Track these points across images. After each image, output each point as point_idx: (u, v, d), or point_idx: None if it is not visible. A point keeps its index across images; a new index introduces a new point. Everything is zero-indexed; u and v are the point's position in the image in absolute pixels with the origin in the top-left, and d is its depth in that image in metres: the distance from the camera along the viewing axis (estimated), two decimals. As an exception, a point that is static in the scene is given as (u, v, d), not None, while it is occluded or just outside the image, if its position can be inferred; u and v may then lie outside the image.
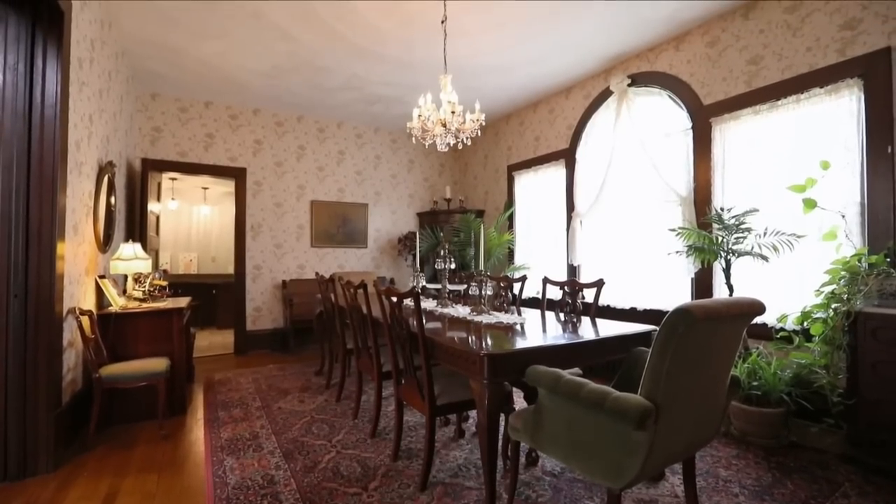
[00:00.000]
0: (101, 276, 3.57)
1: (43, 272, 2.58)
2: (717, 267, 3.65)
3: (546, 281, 3.63)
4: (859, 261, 2.73)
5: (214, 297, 7.95)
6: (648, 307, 4.32)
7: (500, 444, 2.45)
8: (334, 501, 2.28)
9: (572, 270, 5.23)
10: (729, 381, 1.88)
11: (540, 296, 3.65)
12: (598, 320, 2.93)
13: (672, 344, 1.48)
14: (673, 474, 2.52)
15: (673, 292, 4.15)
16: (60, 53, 2.65)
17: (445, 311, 3.15)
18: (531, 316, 3.11)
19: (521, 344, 2.20)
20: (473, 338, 2.36)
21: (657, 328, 1.53)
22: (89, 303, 3.36)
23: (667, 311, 1.52)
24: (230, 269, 7.01)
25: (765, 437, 2.91)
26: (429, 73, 4.84)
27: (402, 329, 2.49)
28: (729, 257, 3.32)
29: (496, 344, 2.19)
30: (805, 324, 2.91)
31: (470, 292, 3.26)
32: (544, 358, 2.03)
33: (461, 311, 3.10)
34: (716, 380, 1.77)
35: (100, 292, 3.54)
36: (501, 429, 2.43)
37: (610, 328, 2.62)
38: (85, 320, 2.96)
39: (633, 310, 4.44)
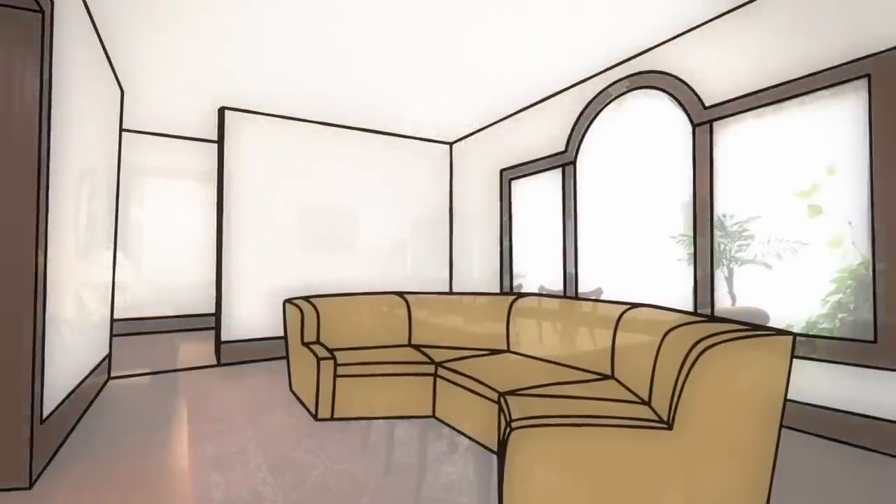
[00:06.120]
0: (83, 285, 3.47)
1: (22, 281, 2.49)
2: (720, 274, 3.57)
3: (542, 290, 3.56)
4: (866, 269, 2.65)
5: (201, 305, 7.78)
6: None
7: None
8: (321, 521, 2.19)
9: (569, 277, 5.14)
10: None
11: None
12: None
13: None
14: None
15: (674, 301, 4.05)
16: (39, 55, 2.54)
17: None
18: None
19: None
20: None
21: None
22: (71, 312, 3.25)
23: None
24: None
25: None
26: (422, 75, 4.76)
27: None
28: (731, 265, 3.25)
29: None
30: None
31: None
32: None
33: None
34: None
35: (82, 301, 3.43)
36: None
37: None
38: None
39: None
